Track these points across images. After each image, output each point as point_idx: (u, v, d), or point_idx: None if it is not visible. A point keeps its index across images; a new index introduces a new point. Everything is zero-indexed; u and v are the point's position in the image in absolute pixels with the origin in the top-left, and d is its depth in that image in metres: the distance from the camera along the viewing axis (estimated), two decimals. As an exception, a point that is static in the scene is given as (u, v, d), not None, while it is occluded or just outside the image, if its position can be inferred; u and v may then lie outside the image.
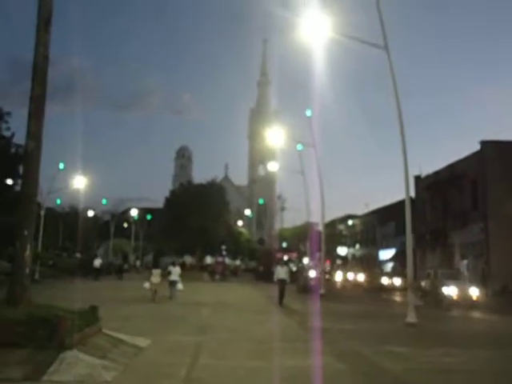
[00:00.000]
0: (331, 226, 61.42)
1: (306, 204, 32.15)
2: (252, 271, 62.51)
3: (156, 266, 24.42)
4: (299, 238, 58.39)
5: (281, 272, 19.58)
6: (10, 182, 27.68)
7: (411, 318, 13.60)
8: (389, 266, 48.28)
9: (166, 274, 21.16)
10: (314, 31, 16.31)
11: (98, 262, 37.69)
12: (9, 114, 27.87)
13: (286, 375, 6.98)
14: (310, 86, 25.92)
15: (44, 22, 8.74)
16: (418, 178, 41.04)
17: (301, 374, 7.08)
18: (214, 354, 8.36)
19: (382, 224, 53.49)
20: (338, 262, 63.17)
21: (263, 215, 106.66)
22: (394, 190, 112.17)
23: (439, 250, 36.62)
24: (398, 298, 27.08)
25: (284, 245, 64.69)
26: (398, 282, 32.71)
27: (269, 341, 9.97)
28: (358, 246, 62.94)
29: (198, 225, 47.38)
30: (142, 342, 8.99)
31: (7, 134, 27.79)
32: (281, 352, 8.68)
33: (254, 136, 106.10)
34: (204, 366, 7.37)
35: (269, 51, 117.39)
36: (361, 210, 62.41)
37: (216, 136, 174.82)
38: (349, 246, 65.89)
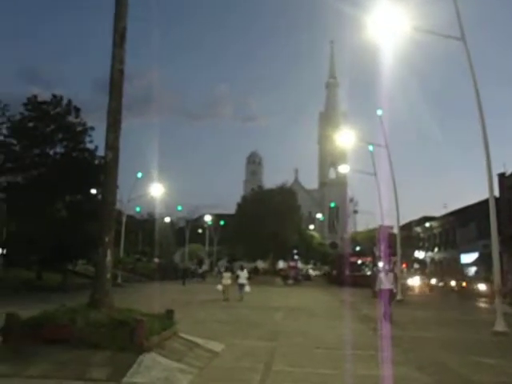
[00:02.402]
0: (407, 228, 59.05)
1: (379, 206, 31.10)
2: (324, 275, 61.77)
3: (228, 269, 25.54)
4: (373, 242, 56.68)
5: (385, 280, 15.40)
6: (94, 191, 29.49)
7: (500, 326, 12.62)
8: (472, 270, 45.47)
9: (234, 277, 22.79)
10: (383, 27, 15.79)
11: (204, 267, 48.10)
12: (92, 128, 29.78)
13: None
14: (379, 86, 25.04)
15: (119, 38, 9.13)
16: (502, 176, 38.30)
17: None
18: (288, 361, 8.24)
19: (462, 226, 50.50)
20: (416, 266, 60.50)
21: (335, 219, 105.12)
22: (474, 190, 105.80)
23: (529, 253, 33.84)
24: (483, 304, 25.36)
25: (357, 248, 63.15)
26: (482, 287, 30.69)
27: (342, 348, 9.67)
28: (436, 249, 59.92)
29: (269, 229, 47.48)
30: (217, 346, 9.08)
31: (91, 146, 29.69)
32: (355, 360, 8.36)
33: (323, 139, 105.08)
34: (278, 373, 7.27)
35: (337, 52, 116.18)
36: (438, 212, 59.36)
37: (286, 141, 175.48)
38: (427, 250, 62.91)
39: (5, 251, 29.74)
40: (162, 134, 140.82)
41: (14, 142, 28.31)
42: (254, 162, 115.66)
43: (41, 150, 28.96)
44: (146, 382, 6.31)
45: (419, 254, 63.04)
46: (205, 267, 46.60)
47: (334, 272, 49.05)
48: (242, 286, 22.08)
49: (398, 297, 24.26)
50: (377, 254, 42.12)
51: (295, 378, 7.07)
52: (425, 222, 62.27)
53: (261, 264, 61.56)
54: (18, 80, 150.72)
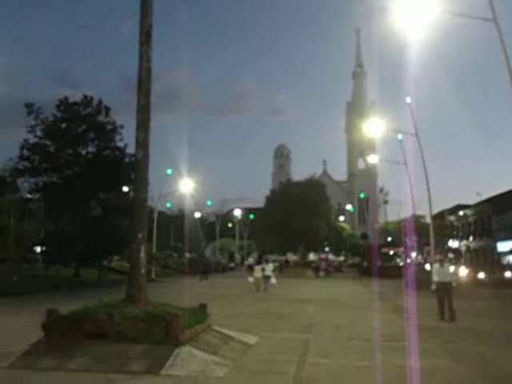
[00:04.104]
0: (440, 217, 57.81)
1: (410, 196, 30.56)
2: (355, 266, 61.20)
3: (258, 263, 26.29)
4: (405, 232, 55.78)
5: (442, 272, 13.31)
6: (126, 189, 30.07)
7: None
8: (510, 259, 44.18)
9: (260, 270, 23.91)
10: (410, 13, 15.41)
11: (251, 260, 50.00)
12: (122, 126, 30.37)
13: (396, 376, 6.64)
14: (407, 73, 24.43)
15: (145, 36, 9.25)
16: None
17: (413, 376, 6.68)
18: (322, 352, 8.24)
19: (498, 213, 49.05)
20: (450, 255, 59.25)
21: (365, 209, 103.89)
22: (508, 177, 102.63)
23: None
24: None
25: (389, 239, 62.29)
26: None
27: (376, 339, 9.56)
28: (471, 238, 58.44)
29: (299, 222, 47.32)
30: (250, 338, 9.17)
31: (121, 145, 30.25)
32: (389, 351, 8.27)
33: (351, 129, 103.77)
34: (312, 365, 7.29)
35: (363, 40, 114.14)
36: (472, 200, 57.78)
37: (313, 132, 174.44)
38: (461, 239, 61.45)
39: (44, 249, 30.70)
40: (189, 129, 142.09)
41: (49, 143, 29.13)
42: (281, 155, 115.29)
43: (74, 149, 29.70)
44: (183, 374, 6.46)
45: (453, 244, 61.69)
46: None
47: (365, 263, 48.55)
48: (267, 277, 23.53)
49: (433, 286, 23.74)
50: (409, 244, 41.46)
51: (330, 369, 7.07)
52: (458, 211, 60.81)
53: (291, 256, 61.48)
54: (51, 82, 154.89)
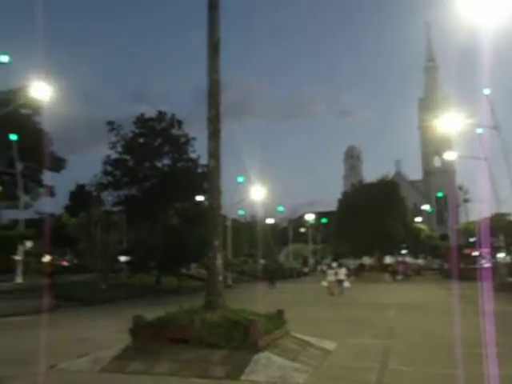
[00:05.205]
0: (529, 214, 53.58)
1: (493, 193, 28.72)
2: (436, 269, 58.35)
3: (331, 267, 26.43)
4: (490, 231, 52.25)
5: None
6: (200, 198, 31.11)
7: None
8: None
9: (334, 274, 24.85)
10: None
11: (334, 265, 48.79)
12: (194, 138, 31.55)
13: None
14: (481, 65, 22.92)
15: (213, 50, 9.55)
16: None
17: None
18: (404, 360, 7.97)
19: None
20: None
21: (444, 209, 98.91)
22: None
23: None
24: None
25: (472, 239, 58.77)
26: None
27: (461, 346, 9.01)
28: None
29: (373, 224, 46.05)
30: (329, 344, 9.07)
31: (194, 156, 31.41)
32: (474, 358, 7.75)
33: (425, 126, 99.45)
34: (394, 372, 7.08)
35: (433, 33, 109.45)
36: None
37: (384, 132, 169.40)
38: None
39: (128, 259, 32.42)
40: (258, 136, 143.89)
41: (128, 157, 30.91)
42: (352, 157, 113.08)
43: (151, 163, 31.27)
44: (263, 380, 6.53)
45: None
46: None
47: (446, 265, 46.19)
48: (340, 281, 24.45)
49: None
50: (495, 244, 38.83)
51: (413, 377, 6.83)
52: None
53: (367, 260, 59.96)
54: (128, 101, 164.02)
